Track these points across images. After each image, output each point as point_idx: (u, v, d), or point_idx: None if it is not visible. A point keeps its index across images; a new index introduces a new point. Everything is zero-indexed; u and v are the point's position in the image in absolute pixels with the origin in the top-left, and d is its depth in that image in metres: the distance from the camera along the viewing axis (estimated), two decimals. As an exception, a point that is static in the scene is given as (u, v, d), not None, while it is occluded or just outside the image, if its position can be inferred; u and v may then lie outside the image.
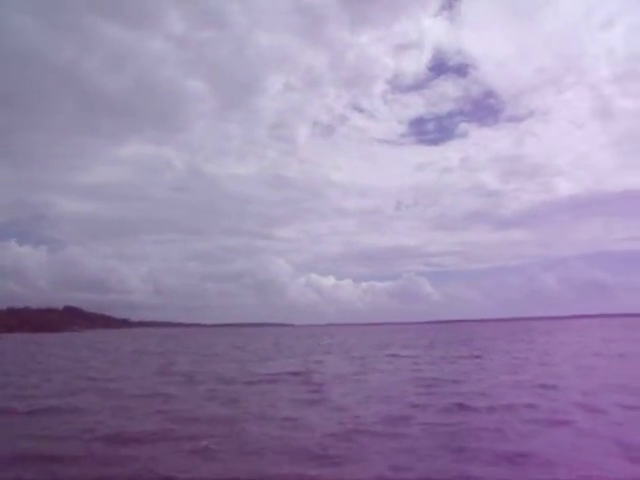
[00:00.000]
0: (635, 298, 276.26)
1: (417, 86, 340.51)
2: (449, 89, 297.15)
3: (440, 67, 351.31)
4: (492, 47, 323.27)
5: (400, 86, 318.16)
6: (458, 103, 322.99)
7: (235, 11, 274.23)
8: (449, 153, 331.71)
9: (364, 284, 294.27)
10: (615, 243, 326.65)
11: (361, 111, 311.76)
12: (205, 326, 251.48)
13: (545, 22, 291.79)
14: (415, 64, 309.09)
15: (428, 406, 13.50)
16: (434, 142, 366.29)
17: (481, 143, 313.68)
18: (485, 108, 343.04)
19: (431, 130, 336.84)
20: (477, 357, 29.35)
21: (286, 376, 21.22)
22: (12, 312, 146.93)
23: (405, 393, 15.86)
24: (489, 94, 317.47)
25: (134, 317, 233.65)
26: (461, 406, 13.31)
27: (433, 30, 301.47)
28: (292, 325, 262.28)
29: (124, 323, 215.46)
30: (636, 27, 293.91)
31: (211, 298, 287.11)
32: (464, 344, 45.22)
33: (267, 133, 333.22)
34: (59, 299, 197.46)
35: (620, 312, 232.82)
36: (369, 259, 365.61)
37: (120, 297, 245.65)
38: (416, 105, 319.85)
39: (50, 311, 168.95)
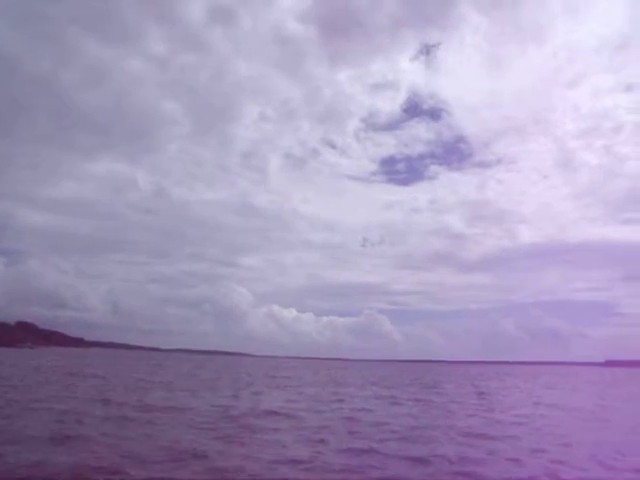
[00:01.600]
0: (589, 347, 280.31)
1: (390, 126, 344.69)
2: (421, 131, 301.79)
3: (414, 109, 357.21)
4: (465, 94, 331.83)
5: (374, 125, 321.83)
6: (429, 146, 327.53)
7: (217, 37, 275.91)
8: (418, 194, 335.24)
9: (325, 318, 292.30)
10: (573, 293, 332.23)
11: (333, 147, 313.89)
12: (162, 350, 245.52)
13: (516, 75, 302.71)
14: (390, 105, 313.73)
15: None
16: (403, 182, 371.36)
17: (449, 186, 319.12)
18: (455, 152, 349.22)
19: (401, 170, 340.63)
20: (418, 400, 27.99)
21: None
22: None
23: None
24: (459, 139, 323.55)
25: (90, 336, 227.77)
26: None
27: (409, 73, 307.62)
28: (250, 355, 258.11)
29: (79, 342, 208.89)
30: (599, 88, 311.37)
31: (170, 322, 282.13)
32: (411, 386, 43.93)
33: (239, 161, 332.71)
34: (12, 313, 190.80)
35: (574, 360, 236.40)
36: (332, 294, 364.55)
37: (77, 315, 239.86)
38: (388, 145, 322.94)
39: (1, 326, 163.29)
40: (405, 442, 14.10)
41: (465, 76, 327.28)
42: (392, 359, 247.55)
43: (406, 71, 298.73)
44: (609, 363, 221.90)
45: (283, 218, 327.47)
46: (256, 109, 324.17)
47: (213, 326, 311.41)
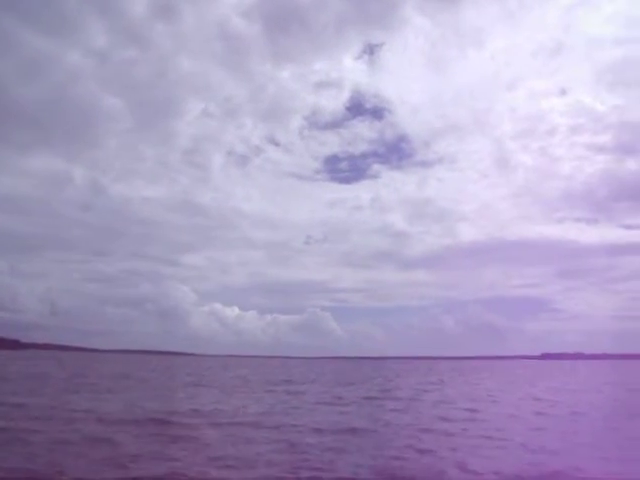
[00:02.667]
0: (526, 342, 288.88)
1: (334, 125, 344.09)
2: (364, 130, 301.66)
3: (357, 108, 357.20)
4: (407, 94, 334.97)
5: (317, 123, 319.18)
6: (372, 144, 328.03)
7: (159, 32, 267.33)
8: (360, 192, 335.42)
9: (268, 316, 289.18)
10: (511, 289, 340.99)
11: (277, 144, 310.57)
12: (102, 351, 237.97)
13: (457, 77, 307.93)
14: (333, 103, 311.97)
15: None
16: (346, 180, 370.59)
17: (391, 185, 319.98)
18: (397, 151, 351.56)
19: (344, 169, 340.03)
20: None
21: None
22: None
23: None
24: (402, 138, 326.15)
25: (26, 338, 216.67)
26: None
27: (353, 72, 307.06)
28: (192, 354, 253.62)
29: (15, 344, 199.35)
30: (535, 91, 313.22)
31: (110, 322, 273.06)
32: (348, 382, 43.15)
33: (181, 158, 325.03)
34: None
35: (513, 354, 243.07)
36: (275, 292, 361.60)
37: (13, 316, 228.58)
38: (331, 143, 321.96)
39: None
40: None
41: (408, 76, 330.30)
42: (336, 356, 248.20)
43: (350, 70, 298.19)
44: (545, 356, 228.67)
45: (226, 216, 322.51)
46: (199, 105, 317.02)
47: (155, 326, 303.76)
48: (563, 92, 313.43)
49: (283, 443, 13.43)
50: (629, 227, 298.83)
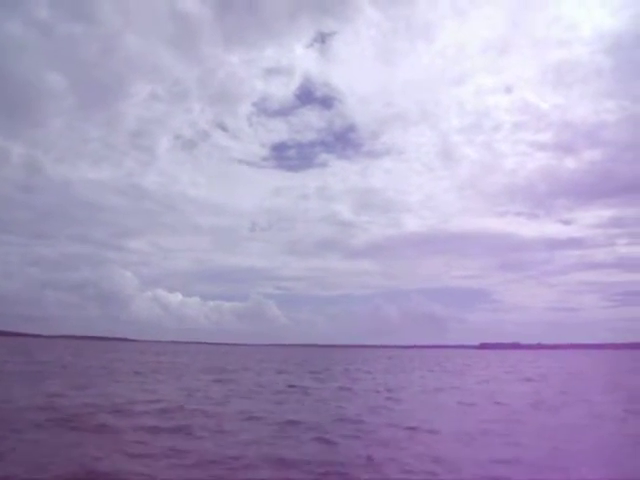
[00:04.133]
0: (466, 332, 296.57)
1: (283, 112, 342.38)
2: (313, 119, 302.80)
3: (307, 96, 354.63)
4: (357, 84, 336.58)
5: (266, 110, 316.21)
6: (320, 133, 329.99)
7: (107, 9, 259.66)
8: (307, 181, 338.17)
9: (212, 303, 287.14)
10: (453, 280, 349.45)
11: (225, 130, 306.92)
12: (44, 337, 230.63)
13: (407, 70, 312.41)
14: (283, 90, 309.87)
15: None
16: (294, 169, 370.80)
17: (338, 174, 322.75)
18: (345, 141, 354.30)
19: (292, 157, 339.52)
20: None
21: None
22: None
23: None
24: (350, 128, 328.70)
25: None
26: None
27: (304, 60, 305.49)
28: (135, 340, 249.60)
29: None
30: (482, 87, 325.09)
31: (52, 307, 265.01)
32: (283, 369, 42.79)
33: (127, 140, 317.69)
34: None
35: (453, 344, 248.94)
36: (219, 278, 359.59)
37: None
38: (280, 130, 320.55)
39: None
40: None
41: (358, 67, 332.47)
42: (279, 343, 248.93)
43: (301, 58, 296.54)
44: (483, 346, 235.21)
45: (171, 201, 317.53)
46: (147, 87, 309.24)
47: (96, 311, 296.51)
48: (509, 89, 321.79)
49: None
50: (566, 222, 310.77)
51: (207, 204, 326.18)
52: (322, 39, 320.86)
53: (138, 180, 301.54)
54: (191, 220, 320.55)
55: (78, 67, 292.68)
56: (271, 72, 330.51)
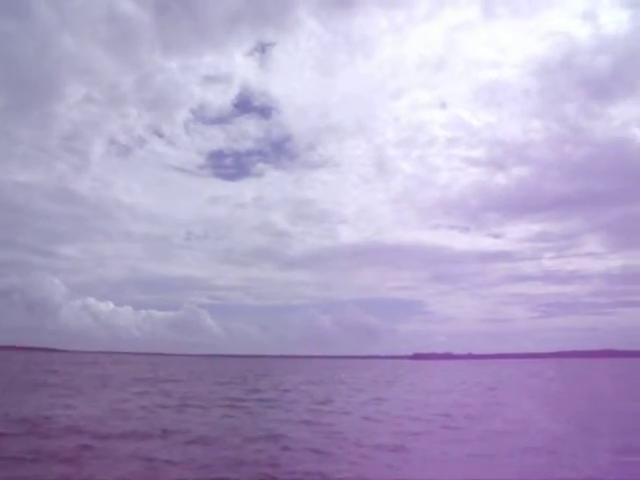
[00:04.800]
0: (399, 342, 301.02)
1: (220, 120, 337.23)
2: (251, 128, 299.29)
3: (245, 105, 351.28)
4: (295, 95, 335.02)
5: (204, 117, 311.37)
6: (258, 143, 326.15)
7: (42, 7, 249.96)
8: (243, 190, 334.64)
9: (144, 312, 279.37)
10: (387, 291, 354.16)
11: (161, 136, 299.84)
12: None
13: (345, 82, 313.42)
14: (221, 98, 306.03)
15: None
16: (230, 177, 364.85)
17: (275, 184, 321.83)
18: (282, 151, 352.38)
19: (229, 165, 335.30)
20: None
21: None
22: None
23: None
24: (287, 138, 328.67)
25: None
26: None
27: (243, 68, 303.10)
28: (62, 350, 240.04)
29: None
30: (418, 102, 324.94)
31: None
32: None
33: (59, 143, 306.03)
34: None
35: (387, 354, 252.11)
36: (152, 287, 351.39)
37: None
38: (217, 139, 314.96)
39: None
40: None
41: (297, 78, 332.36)
42: (212, 354, 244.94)
43: (240, 66, 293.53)
44: (416, 356, 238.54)
45: (104, 207, 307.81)
46: (81, 90, 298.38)
47: (22, 320, 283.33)
48: (443, 105, 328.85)
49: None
50: (497, 236, 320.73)
51: (141, 211, 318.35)
52: (262, 49, 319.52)
53: (70, 185, 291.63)
54: (125, 227, 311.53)
55: (8, 65, 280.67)
56: (210, 80, 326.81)
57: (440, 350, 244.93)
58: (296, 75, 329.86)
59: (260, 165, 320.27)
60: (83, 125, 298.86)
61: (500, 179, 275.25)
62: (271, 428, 16.69)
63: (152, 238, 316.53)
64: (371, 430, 17.11)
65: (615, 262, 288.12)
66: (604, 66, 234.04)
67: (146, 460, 11.74)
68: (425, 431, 16.84)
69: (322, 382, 45.69)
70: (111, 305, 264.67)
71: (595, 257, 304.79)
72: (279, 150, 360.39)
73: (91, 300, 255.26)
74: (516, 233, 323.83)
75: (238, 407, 22.71)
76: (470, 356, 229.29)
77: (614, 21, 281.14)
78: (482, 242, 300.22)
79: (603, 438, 15.04)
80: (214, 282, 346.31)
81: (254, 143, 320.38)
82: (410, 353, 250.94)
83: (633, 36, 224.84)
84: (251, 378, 49.33)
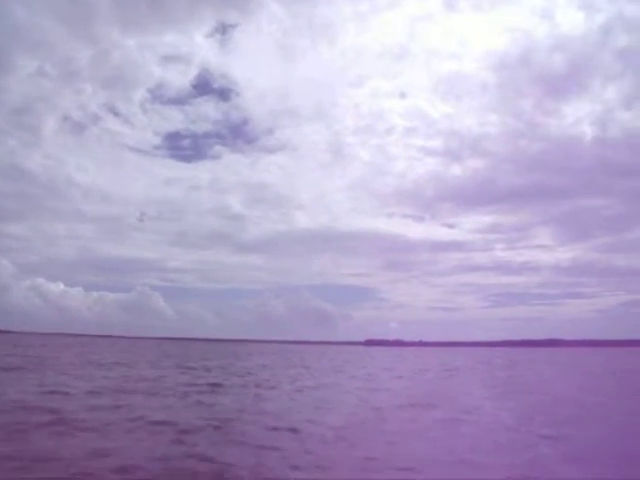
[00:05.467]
0: (352, 328, 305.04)
1: (178, 101, 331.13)
2: (209, 110, 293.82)
3: (204, 87, 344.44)
4: (256, 79, 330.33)
5: (161, 97, 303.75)
6: (216, 125, 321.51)
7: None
8: (199, 172, 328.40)
9: (95, 294, 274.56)
10: (341, 278, 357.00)
11: (117, 115, 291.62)
12: None
13: (306, 68, 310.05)
14: (180, 78, 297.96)
15: None
16: (187, 159, 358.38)
17: (232, 167, 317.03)
18: (240, 134, 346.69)
19: (185, 147, 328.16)
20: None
21: None
22: None
23: None
24: (246, 122, 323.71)
25: None
26: None
27: (203, 49, 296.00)
28: (9, 332, 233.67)
29: None
30: (378, 91, 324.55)
31: None
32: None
33: (8, 118, 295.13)
34: None
35: (340, 340, 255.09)
36: (104, 268, 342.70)
37: None
38: (174, 120, 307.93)
39: None
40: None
41: (258, 61, 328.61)
42: (166, 336, 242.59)
43: (200, 47, 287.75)
44: (369, 342, 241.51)
45: (56, 185, 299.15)
46: (33, 63, 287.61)
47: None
48: (403, 95, 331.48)
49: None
50: (450, 226, 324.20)
51: (94, 191, 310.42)
52: (223, 30, 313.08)
53: (20, 161, 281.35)
54: (77, 206, 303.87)
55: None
56: (169, 59, 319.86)
57: (392, 337, 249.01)
58: (257, 58, 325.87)
59: (217, 148, 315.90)
60: (35, 100, 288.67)
61: (456, 170, 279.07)
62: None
63: (105, 218, 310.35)
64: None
65: (564, 254, 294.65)
66: (559, 64, 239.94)
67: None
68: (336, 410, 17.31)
69: (268, 366, 46.08)
70: (62, 286, 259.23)
71: (545, 249, 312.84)
72: (237, 133, 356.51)
73: (41, 280, 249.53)
74: (469, 224, 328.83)
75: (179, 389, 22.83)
76: (421, 343, 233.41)
77: (570, 21, 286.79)
78: (436, 231, 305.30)
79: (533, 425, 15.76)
80: (168, 264, 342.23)
81: (212, 125, 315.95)
82: (363, 339, 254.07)
83: (587, 37, 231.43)
84: (198, 361, 49.28)
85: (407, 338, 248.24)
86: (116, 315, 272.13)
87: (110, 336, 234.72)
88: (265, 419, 16.03)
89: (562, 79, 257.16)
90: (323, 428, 14.62)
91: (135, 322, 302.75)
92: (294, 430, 14.22)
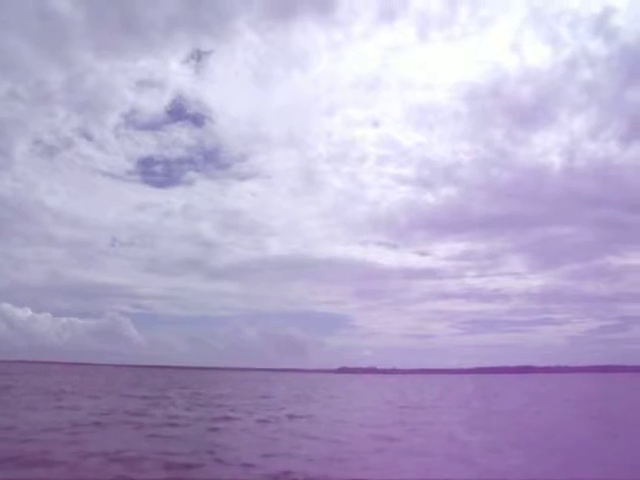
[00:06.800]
0: (326, 356, 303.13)
1: (152, 126, 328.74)
2: (183, 136, 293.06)
3: (178, 113, 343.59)
4: (230, 105, 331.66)
5: (135, 122, 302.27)
6: (189, 151, 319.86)
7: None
8: (172, 198, 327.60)
9: (64, 319, 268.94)
10: (314, 305, 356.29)
11: (90, 139, 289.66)
12: None
13: (280, 95, 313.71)
14: (154, 104, 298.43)
15: None
16: (159, 185, 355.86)
17: (204, 194, 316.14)
18: (213, 161, 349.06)
19: (158, 172, 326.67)
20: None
21: None
22: None
23: None
24: (219, 148, 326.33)
25: None
26: None
27: (178, 75, 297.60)
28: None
29: None
30: (351, 120, 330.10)
31: None
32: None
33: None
34: None
35: (313, 368, 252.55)
36: (74, 294, 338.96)
37: None
38: (148, 145, 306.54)
39: None
40: None
41: (232, 88, 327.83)
42: (135, 364, 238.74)
43: (175, 73, 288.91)
44: (342, 370, 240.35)
45: (25, 209, 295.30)
46: (5, 85, 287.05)
47: None
48: (376, 124, 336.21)
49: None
50: (423, 254, 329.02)
51: (65, 215, 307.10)
52: (198, 56, 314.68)
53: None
54: (47, 231, 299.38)
55: None
56: (143, 84, 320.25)
57: (365, 364, 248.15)
58: (231, 85, 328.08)
59: (190, 174, 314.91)
60: (6, 122, 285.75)
61: (428, 198, 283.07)
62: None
63: (75, 243, 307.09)
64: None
65: (534, 282, 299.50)
66: (528, 96, 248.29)
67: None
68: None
69: (237, 396, 45.05)
70: (29, 312, 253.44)
71: (516, 277, 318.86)
72: (210, 159, 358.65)
73: (7, 306, 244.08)
74: (442, 251, 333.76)
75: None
76: (394, 371, 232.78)
77: (537, 55, 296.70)
78: (409, 259, 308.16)
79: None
80: (139, 291, 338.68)
81: (185, 151, 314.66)
82: (336, 367, 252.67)
83: (554, 70, 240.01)
84: (163, 390, 48.06)
85: (380, 365, 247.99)
86: (85, 342, 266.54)
87: (79, 363, 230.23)
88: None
89: (531, 110, 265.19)
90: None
91: (104, 349, 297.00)
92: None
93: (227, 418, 25.39)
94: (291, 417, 26.93)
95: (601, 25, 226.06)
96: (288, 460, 14.63)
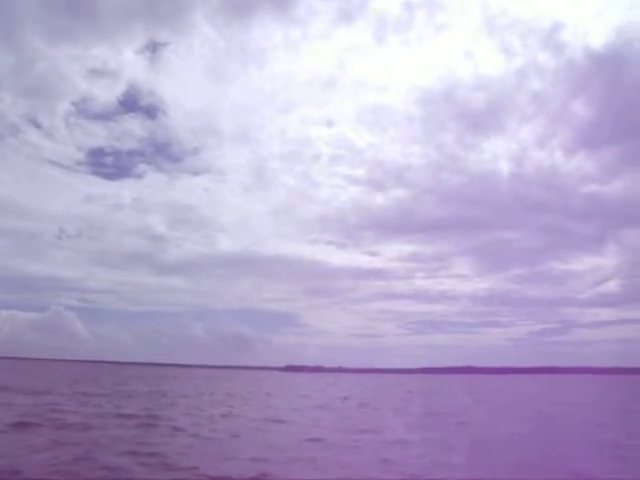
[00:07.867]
0: (272, 353, 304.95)
1: (104, 116, 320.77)
2: (135, 127, 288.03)
3: (131, 104, 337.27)
4: (184, 99, 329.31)
5: (86, 112, 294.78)
6: (141, 143, 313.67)
7: None
8: (122, 190, 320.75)
9: (5, 312, 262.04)
10: (262, 302, 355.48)
11: (38, 127, 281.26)
12: None
13: (235, 91, 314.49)
14: (107, 94, 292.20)
15: None
16: (109, 177, 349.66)
17: (155, 187, 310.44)
18: (166, 154, 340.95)
19: (109, 164, 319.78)
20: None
21: None
22: None
23: None
24: (172, 142, 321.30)
25: None
26: None
27: (132, 65, 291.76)
28: None
29: None
30: (306, 118, 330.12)
31: None
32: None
33: None
34: None
35: (259, 365, 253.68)
36: (17, 286, 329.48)
37: None
38: (98, 135, 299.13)
39: None
40: None
41: (187, 81, 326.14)
42: (80, 359, 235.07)
43: (129, 63, 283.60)
44: (288, 368, 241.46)
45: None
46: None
47: None
48: (330, 123, 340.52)
49: None
50: (372, 254, 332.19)
51: (10, 204, 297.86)
52: (153, 48, 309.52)
53: None
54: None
55: None
56: (96, 73, 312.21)
57: (312, 363, 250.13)
58: (186, 78, 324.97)
59: (141, 166, 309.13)
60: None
61: (379, 199, 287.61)
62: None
63: (21, 234, 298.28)
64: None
65: (480, 284, 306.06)
66: (480, 102, 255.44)
67: None
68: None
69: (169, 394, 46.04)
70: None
71: (463, 279, 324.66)
72: (162, 152, 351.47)
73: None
74: (391, 252, 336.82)
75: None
76: (340, 370, 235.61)
77: (490, 63, 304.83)
78: (358, 259, 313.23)
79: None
80: (85, 284, 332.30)
81: (137, 143, 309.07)
82: (282, 365, 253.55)
83: (505, 79, 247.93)
84: (106, 386, 48.59)
85: (327, 364, 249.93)
86: (28, 335, 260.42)
87: (20, 358, 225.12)
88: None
89: (482, 116, 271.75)
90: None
91: (48, 343, 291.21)
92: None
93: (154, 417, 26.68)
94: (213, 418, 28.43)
95: (550, 38, 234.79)
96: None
